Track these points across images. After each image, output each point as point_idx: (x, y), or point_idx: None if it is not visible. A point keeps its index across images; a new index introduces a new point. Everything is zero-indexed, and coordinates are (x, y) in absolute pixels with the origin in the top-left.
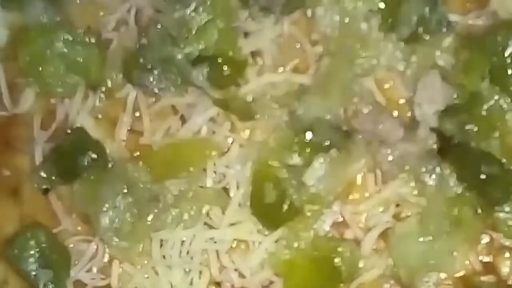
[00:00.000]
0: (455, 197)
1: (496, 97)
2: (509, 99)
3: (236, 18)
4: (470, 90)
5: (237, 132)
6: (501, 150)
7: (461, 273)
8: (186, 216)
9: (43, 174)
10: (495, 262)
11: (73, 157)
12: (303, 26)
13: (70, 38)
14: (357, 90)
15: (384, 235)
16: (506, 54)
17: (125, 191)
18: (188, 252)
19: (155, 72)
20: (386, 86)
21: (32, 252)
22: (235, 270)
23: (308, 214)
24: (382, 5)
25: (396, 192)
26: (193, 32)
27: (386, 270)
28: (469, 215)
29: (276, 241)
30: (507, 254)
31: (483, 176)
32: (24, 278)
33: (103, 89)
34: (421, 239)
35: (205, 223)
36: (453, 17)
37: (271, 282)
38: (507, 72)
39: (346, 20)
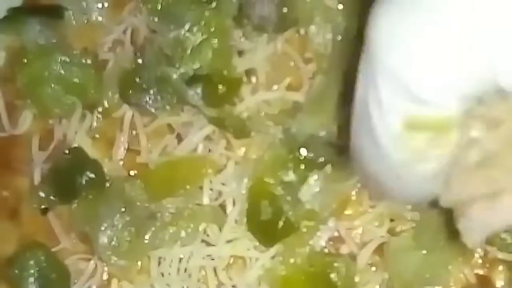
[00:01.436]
0: (449, 210)
1: None
2: None
3: (230, 37)
4: None
5: (232, 150)
6: None
7: (456, 287)
8: (183, 234)
9: (41, 194)
10: (489, 275)
11: (71, 177)
12: (297, 44)
13: (67, 60)
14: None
15: (379, 250)
16: None
17: (123, 209)
18: (186, 270)
19: (151, 91)
20: None
21: (31, 271)
22: (233, 286)
23: (304, 230)
24: None
25: (390, 207)
26: (188, 52)
27: (381, 284)
28: None
29: (273, 257)
30: (500, 267)
31: None
32: None
33: (100, 109)
34: (415, 253)
35: (203, 240)
36: None
37: None
38: None
39: (339, 38)
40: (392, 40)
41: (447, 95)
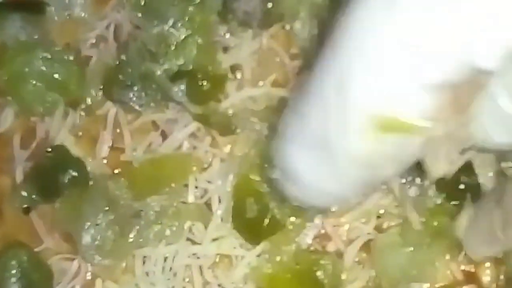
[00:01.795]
0: (435, 207)
1: None
2: None
3: (214, 33)
4: None
5: (218, 147)
6: None
7: (443, 283)
8: (168, 232)
9: (24, 193)
10: (476, 272)
11: (53, 175)
12: (282, 40)
13: (49, 56)
14: None
15: (366, 247)
16: None
17: (107, 208)
18: (171, 269)
19: (135, 88)
20: None
21: (14, 272)
22: (219, 285)
23: (290, 227)
24: None
25: (377, 204)
26: (172, 48)
27: (368, 281)
28: (449, 225)
29: (259, 255)
30: (487, 264)
31: (462, 186)
32: None
33: (83, 106)
34: (402, 250)
35: (188, 239)
36: None
37: None
38: None
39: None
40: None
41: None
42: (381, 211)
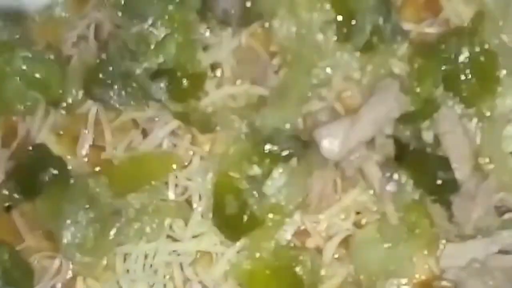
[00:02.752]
0: (412, 203)
1: (450, 103)
2: (463, 105)
3: (194, 31)
4: (424, 97)
5: (198, 145)
6: None
7: (420, 278)
8: (148, 230)
9: (5, 192)
10: None
11: (34, 173)
12: (261, 38)
13: (30, 55)
14: (315, 100)
15: (345, 242)
16: (459, 60)
17: (87, 206)
18: (151, 266)
19: (115, 87)
20: (344, 95)
21: None
22: (199, 282)
23: (269, 224)
24: (338, 17)
25: (356, 200)
26: (152, 47)
27: (347, 277)
28: (426, 221)
29: (239, 252)
30: None
31: (439, 182)
32: None
33: (64, 105)
34: (380, 245)
35: (168, 236)
36: (406, 26)
37: None
38: (460, 78)
39: (303, 31)
40: None
41: None
42: (360, 208)
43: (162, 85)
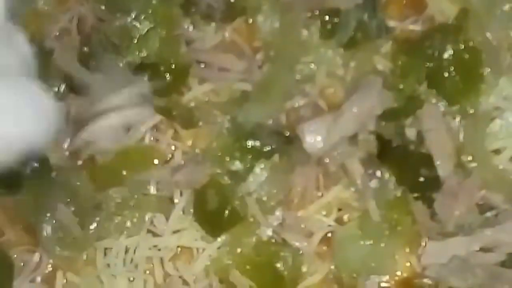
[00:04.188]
0: (395, 200)
1: (434, 100)
2: (446, 102)
3: (177, 26)
4: (408, 94)
5: (180, 140)
6: None
7: (402, 275)
8: (129, 224)
9: None
10: None
11: (15, 166)
12: (245, 33)
13: None
14: (298, 96)
15: (326, 239)
16: (443, 57)
17: (68, 200)
18: (132, 260)
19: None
20: (327, 91)
21: None
22: (179, 277)
23: (251, 219)
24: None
25: (338, 197)
26: (135, 41)
27: (328, 274)
28: (408, 218)
29: (219, 248)
30: None
31: (421, 179)
32: None
33: None
34: (362, 242)
35: (149, 231)
36: (391, 23)
37: None
38: (443, 75)
39: (286, 27)
40: None
41: None
42: (342, 204)
43: (145, 79)
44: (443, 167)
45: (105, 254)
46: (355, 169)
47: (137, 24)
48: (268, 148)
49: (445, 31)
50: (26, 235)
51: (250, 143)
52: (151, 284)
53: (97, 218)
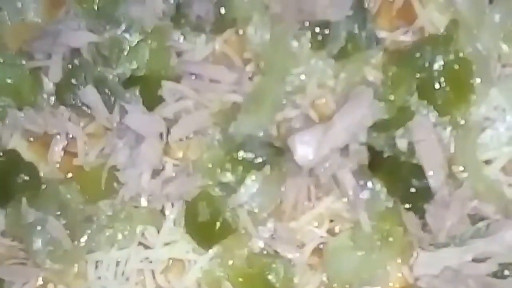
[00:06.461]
0: (386, 211)
1: (424, 111)
2: (437, 113)
3: (168, 37)
4: (398, 105)
5: (171, 151)
6: None
7: (394, 286)
8: (120, 236)
9: None
10: None
11: (5, 179)
12: (235, 44)
13: (1, 60)
14: (289, 107)
15: (318, 250)
16: (434, 68)
17: (58, 213)
18: (123, 273)
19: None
20: (318, 102)
21: None
22: None
23: (242, 231)
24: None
25: (329, 208)
26: (125, 53)
27: (320, 285)
28: (400, 229)
29: (211, 259)
30: None
31: (413, 190)
32: None
33: (36, 111)
34: (354, 253)
35: (140, 243)
36: (381, 34)
37: None
38: (434, 86)
39: (277, 38)
40: None
41: None
42: (334, 215)
43: (136, 91)
44: (435, 177)
45: (96, 266)
46: (346, 180)
47: (127, 36)
48: (259, 160)
49: (436, 42)
50: (16, 248)
51: (241, 154)
52: None
53: (88, 231)
